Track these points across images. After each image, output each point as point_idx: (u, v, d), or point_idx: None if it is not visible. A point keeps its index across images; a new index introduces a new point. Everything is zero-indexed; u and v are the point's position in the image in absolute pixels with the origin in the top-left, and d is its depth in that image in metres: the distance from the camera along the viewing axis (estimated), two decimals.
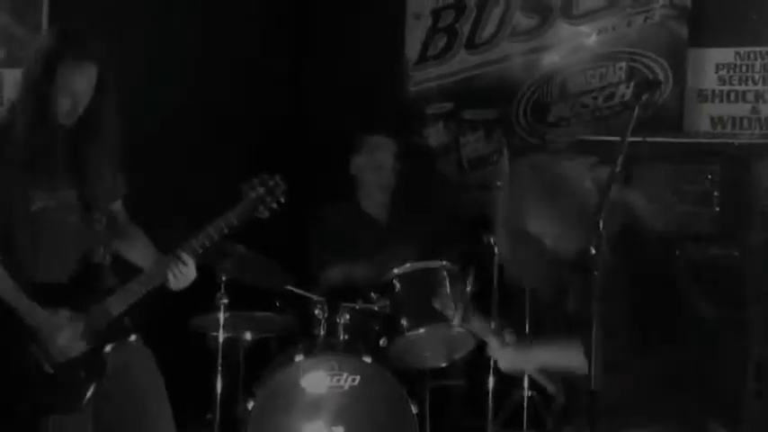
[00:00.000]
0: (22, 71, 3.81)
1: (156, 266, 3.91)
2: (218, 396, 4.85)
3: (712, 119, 5.89)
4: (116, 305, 3.82)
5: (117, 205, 4.10)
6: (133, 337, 3.94)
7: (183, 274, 3.92)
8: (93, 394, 3.78)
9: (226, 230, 3.99)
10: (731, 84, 5.86)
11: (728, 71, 5.86)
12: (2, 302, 3.68)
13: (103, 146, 3.88)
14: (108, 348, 3.83)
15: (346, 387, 4.76)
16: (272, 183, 4.08)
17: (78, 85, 3.73)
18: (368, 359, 4.78)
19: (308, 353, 4.83)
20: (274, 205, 4.06)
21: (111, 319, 3.82)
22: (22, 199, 3.74)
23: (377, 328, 4.97)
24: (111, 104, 3.85)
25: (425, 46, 6.65)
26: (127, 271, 4.01)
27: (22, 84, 3.79)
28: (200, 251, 3.95)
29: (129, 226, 4.14)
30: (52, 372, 3.71)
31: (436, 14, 6.60)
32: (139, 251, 4.08)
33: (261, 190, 4.04)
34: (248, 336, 5.20)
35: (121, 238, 4.09)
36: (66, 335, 3.72)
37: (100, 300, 3.81)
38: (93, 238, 3.91)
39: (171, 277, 3.89)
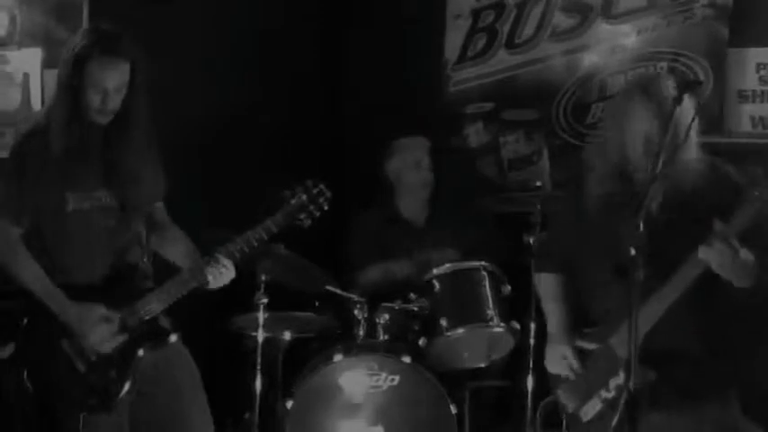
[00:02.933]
0: (58, 70, 3.86)
1: (193, 269, 3.93)
2: (257, 396, 4.86)
3: (753, 119, 5.83)
4: (152, 305, 3.84)
5: (158, 205, 4.12)
6: (173, 338, 3.97)
7: (222, 274, 3.93)
8: (128, 394, 3.80)
9: (265, 237, 3.99)
10: None
11: None
12: (36, 300, 3.72)
13: (136, 144, 3.89)
14: (141, 351, 3.85)
15: (385, 387, 4.76)
16: (315, 190, 4.05)
17: (108, 82, 3.75)
18: (407, 359, 4.78)
19: (347, 353, 4.84)
20: (317, 213, 4.05)
21: (145, 319, 3.84)
22: (58, 200, 3.76)
23: (416, 328, 4.98)
24: (142, 103, 3.87)
25: (465, 46, 6.62)
26: (167, 270, 4.03)
27: (57, 82, 3.84)
28: (239, 255, 3.96)
29: (170, 226, 4.16)
30: (84, 371, 3.74)
31: (476, 14, 6.58)
32: (179, 251, 4.10)
33: (303, 198, 4.02)
34: (287, 335, 5.22)
35: (162, 239, 4.11)
36: (99, 330, 3.74)
37: (135, 300, 3.83)
38: (129, 238, 3.93)
39: (210, 277, 3.91)
